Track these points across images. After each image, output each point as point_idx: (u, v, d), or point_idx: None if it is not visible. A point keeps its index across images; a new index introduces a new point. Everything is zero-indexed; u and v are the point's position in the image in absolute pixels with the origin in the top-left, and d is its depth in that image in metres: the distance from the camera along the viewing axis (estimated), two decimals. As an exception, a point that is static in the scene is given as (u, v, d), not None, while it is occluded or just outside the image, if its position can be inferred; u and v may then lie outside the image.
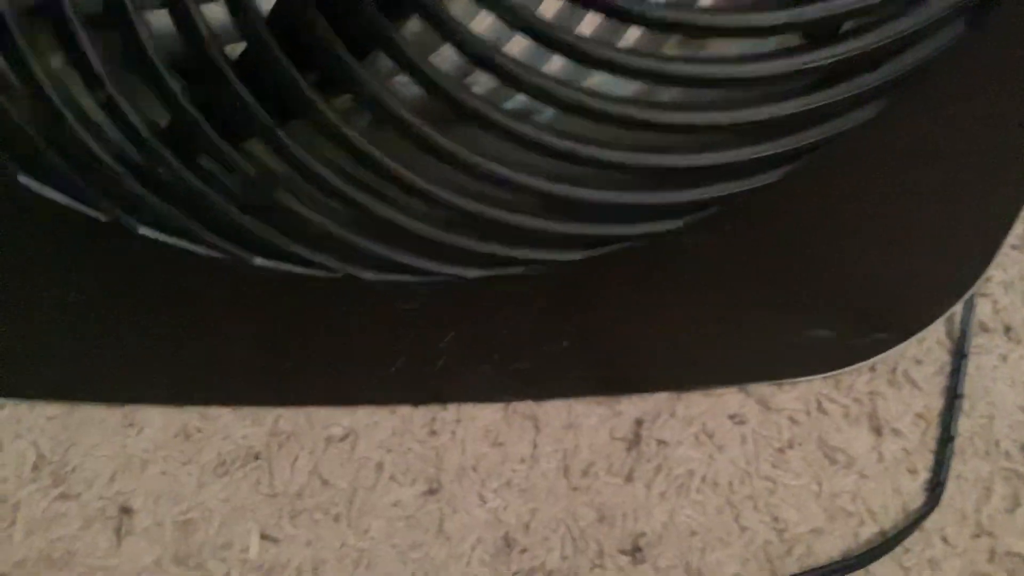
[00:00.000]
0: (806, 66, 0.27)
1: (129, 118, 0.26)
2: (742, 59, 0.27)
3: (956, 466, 0.36)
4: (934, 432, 0.37)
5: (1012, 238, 0.42)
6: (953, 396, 0.38)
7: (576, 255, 0.31)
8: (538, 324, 0.34)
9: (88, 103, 0.27)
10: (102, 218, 0.28)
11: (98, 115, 0.27)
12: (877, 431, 0.37)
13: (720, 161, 0.29)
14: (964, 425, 0.37)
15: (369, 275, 0.30)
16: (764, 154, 0.28)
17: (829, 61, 0.27)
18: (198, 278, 0.30)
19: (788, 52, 0.27)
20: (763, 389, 0.37)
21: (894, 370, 0.38)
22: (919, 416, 0.37)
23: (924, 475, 0.36)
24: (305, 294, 0.32)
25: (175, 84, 0.25)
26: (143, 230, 0.28)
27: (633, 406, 0.36)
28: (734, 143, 0.29)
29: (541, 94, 0.25)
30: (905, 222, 0.33)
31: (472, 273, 0.30)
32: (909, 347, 0.39)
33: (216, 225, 0.29)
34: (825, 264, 0.34)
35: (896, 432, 0.37)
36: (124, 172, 0.27)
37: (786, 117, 0.28)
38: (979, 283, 0.38)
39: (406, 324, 0.33)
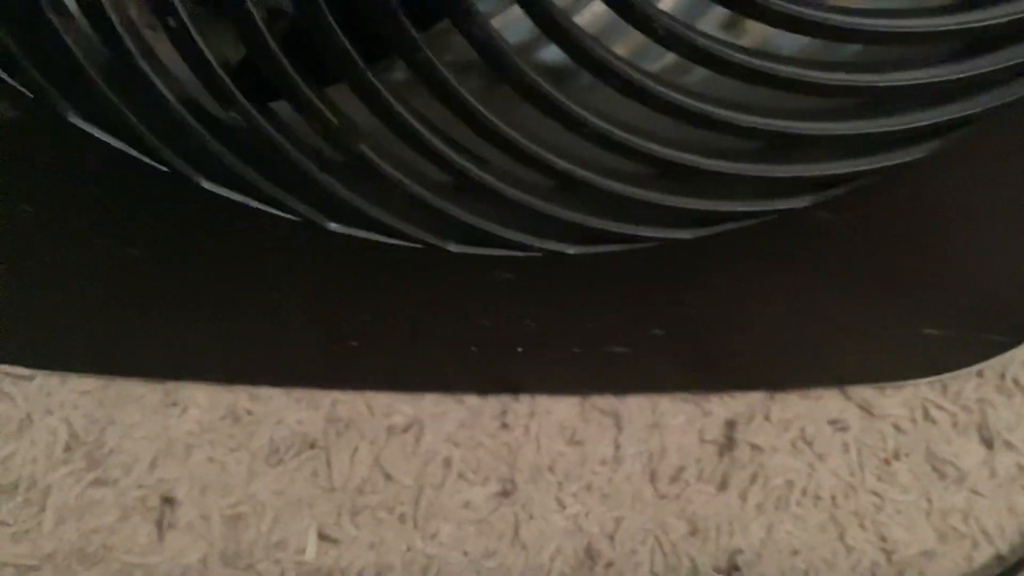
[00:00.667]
0: (973, 25, 0.23)
1: (199, 48, 0.22)
2: (905, 13, 0.23)
3: (1076, 486, 0.33)
4: (1050, 447, 0.33)
5: None
6: (1070, 408, 0.34)
7: (687, 234, 0.28)
8: (630, 309, 0.31)
9: (152, 35, 0.23)
10: (161, 168, 0.24)
11: (163, 49, 0.23)
12: (988, 443, 0.33)
13: (864, 130, 0.25)
14: (1082, 441, 0.34)
15: (455, 247, 0.27)
16: (916, 125, 0.25)
17: (1001, 21, 0.23)
18: (262, 241, 0.27)
19: (950, 9, 0.23)
20: (865, 392, 0.34)
21: (1003, 376, 0.35)
22: (1033, 428, 0.34)
23: (1041, 494, 0.33)
24: (377, 265, 0.29)
25: (255, 10, 0.22)
26: (207, 184, 0.25)
27: (723, 406, 0.33)
28: (879, 111, 0.26)
29: (669, 39, 0.22)
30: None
31: (573, 249, 0.27)
32: (1018, 352, 0.35)
33: (289, 182, 0.25)
34: (950, 256, 0.31)
35: (1009, 445, 0.33)
36: (188, 115, 0.23)
37: (936, 84, 0.25)
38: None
39: (486, 303, 0.30)
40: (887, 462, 0.32)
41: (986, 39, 0.25)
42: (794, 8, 0.23)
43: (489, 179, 0.25)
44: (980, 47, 0.25)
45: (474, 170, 0.25)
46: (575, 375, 0.32)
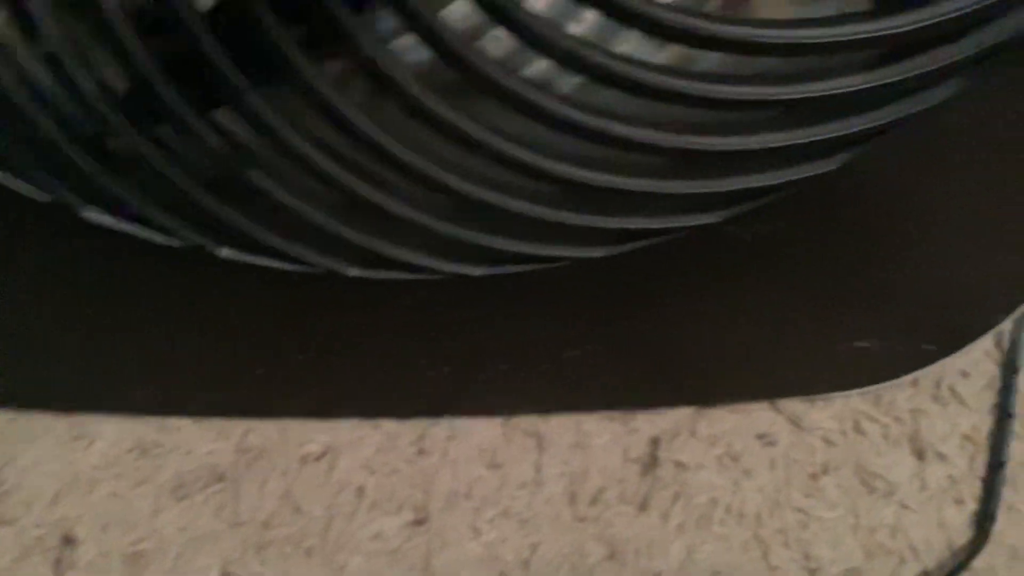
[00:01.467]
0: (879, 34, 0.23)
1: (73, 74, 0.21)
2: (802, 23, 0.23)
3: (1007, 496, 0.32)
4: (983, 456, 0.33)
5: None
6: (1003, 415, 0.34)
7: (598, 252, 0.27)
8: (550, 328, 0.30)
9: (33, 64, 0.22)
10: (40, 197, 0.24)
11: (42, 75, 0.22)
12: (920, 455, 0.33)
13: (773, 144, 0.25)
14: (1017, 449, 0.33)
15: (355, 271, 0.26)
16: (822, 137, 0.24)
17: (905, 29, 0.23)
18: (155, 269, 0.26)
19: (857, 17, 0.23)
20: (795, 405, 0.33)
21: (938, 384, 0.34)
22: (966, 438, 0.33)
23: (972, 506, 0.32)
24: (281, 290, 0.28)
25: (131, 36, 0.21)
26: (88, 212, 0.24)
27: (650, 423, 0.32)
28: (786, 123, 0.25)
29: (569, 59, 0.21)
30: (966, 222, 0.30)
31: (479, 271, 0.26)
32: (956, 359, 0.35)
33: (176, 208, 0.24)
34: (876, 265, 0.31)
35: (941, 456, 0.33)
36: (66, 140, 0.22)
37: (849, 95, 0.24)
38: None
39: (398, 325, 0.29)
40: (815, 477, 0.32)
41: (893, 49, 0.24)
42: (704, 24, 0.22)
43: (384, 200, 0.24)
44: (888, 57, 0.24)
45: (367, 191, 0.24)
46: (496, 396, 0.31)
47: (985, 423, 0.34)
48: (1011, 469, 0.33)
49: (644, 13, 0.21)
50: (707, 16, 0.22)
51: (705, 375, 0.32)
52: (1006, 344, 0.35)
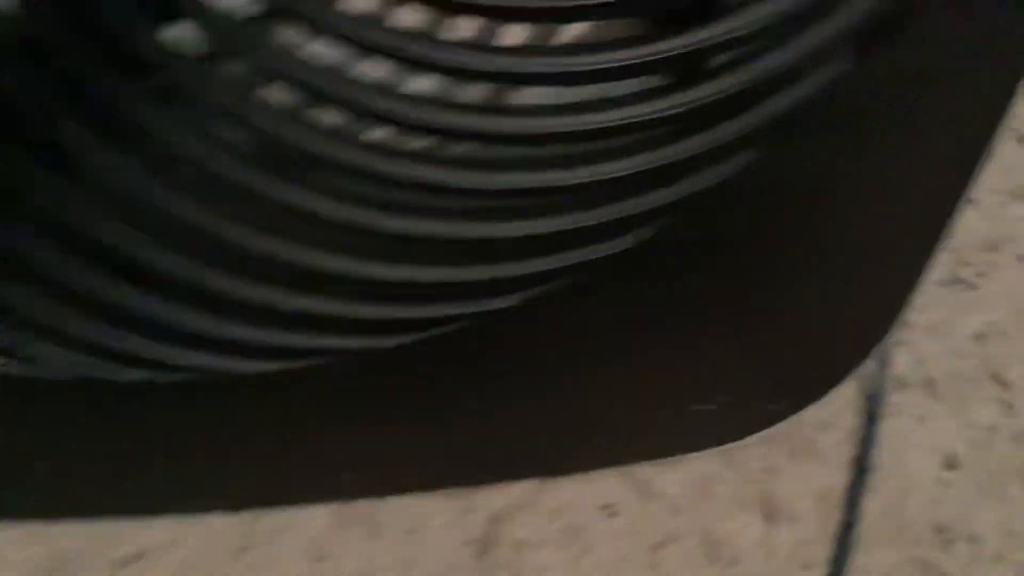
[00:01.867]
0: (652, 116, 0.21)
1: None
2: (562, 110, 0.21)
3: (859, 557, 0.32)
4: (837, 515, 0.32)
5: (940, 274, 0.37)
6: (860, 471, 0.33)
7: (391, 342, 0.25)
8: (369, 413, 0.29)
9: None
10: None
11: None
12: (769, 517, 0.32)
13: (554, 229, 0.23)
14: (872, 504, 0.32)
15: (128, 376, 0.25)
16: (606, 219, 0.23)
17: (682, 109, 0.21)
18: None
19: (634, 97, 0.21)
20: (644, 470, 0.32)
21: (795, 439, 0.33)
22: (820, 496, 0.33)
23: (821, 570, 0.32)
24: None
25: None
26: None
27: (491, 499, 0.31)
28: (570, 206, 0.23)
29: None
30: (802, 281, 0.28)
31: (255, 368, 0.25)
32: (815, 409, 0.34)
33: None
34: (717, 324, 0.29)
35: (792, 518, 0.32)
36: None
37: (632, 176, 0.22)
38: (889, 338, 0.33)
39: (209, 420, 0.28)
40: (656, 549, 0.31)
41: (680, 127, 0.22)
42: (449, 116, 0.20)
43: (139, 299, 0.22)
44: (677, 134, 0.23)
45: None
46: (326, 482, 0.30)
47: (841, 479, 0.33)
48: (864, 527, 0.32)
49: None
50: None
51: (546, 445, 0.31)
52: (870, 390, 0.34)
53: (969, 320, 0.37)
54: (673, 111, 0.22)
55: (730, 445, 0.32)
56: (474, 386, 0.29)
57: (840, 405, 0.34)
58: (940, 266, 0.37)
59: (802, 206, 0.27)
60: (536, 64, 0.20)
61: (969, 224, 0.40)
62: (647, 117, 0.22)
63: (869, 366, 0.34)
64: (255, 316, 0.23)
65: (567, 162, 0.22)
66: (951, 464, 0.33)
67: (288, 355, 0.24)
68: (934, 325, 0.36)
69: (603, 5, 0.21)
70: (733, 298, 0.29)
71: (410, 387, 0.29)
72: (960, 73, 0.24)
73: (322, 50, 0.20)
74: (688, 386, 0.31)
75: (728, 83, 0.21)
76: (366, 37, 0.19)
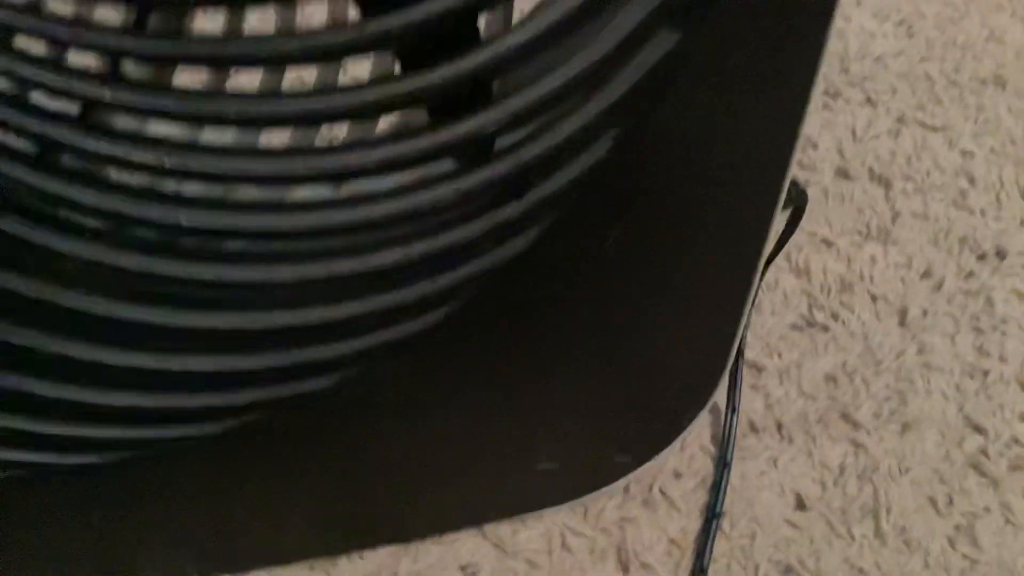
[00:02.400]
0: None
1: None
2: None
3: (709, 601, 0.33)
4: (688, 561, 0.34)
5: (793, 317, 0.39)
6: (711, 516, 0.34)
7: (215, 428, 0.27)
8: (220, 491, 0.30)
9: None
10: None
11: None
12: (625, 567, 0.33)
13: (357, 312, 0.25)
14: (722, 547, 0.34)
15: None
16: (413, 298, 0.24)
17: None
18: None
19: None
20: (502, 529, 0.34)
21: (650, 487, 0.35)
22: (673, 543, 0.34)
23: (674, 615, 0.33)
24: None
25: None
26: None
27: (354, 567, 0.32)
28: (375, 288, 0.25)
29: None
30: (612, 333, 0.30)
31: (57, 460, 0.26)
32: (671, 457, 0.35)
33: None
34: (531, 390, 0.31)
35: (646, 566, 0.34)
36: None
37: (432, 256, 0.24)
38: (739, 384, 0.35)
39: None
40: (514, 607, 0.32)
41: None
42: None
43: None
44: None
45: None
46: (185, 555, 0.31)
47: (694, 525, 0.34)
48: (714, 570, 0.33)
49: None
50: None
51: (401, 511, 0.33)
52: (721, 436, 0.36)
53: (821, 362, 0.39)
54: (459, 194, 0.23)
55: (586, 498, 0.34)
56: (318, 460, 0.30)
57: (694, 452, 0.35)
58: (793, 309, 0.39)
59: (608, 265, 0.28)
60: (311, 164, 0.22)
61: (826, 265, 0.42)
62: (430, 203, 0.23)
63: (720, 412, 0.36)
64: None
65: (352, 250, 0.24)
66: (801, 505, 0.35)
67: (105, 447, 0.26)
68: (786, 368, 0.38)
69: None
70: (557, 359, 0.30)
71: (257, 465, 0.30)
72: (735, 131, 0.25)
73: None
74: (530, 445, 0.32)
75: (502, 167, 0.23)
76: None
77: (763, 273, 0.30)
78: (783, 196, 0.26)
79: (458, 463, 0.31)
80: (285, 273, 0.23)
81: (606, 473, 0.33)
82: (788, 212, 0.34)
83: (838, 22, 0.35)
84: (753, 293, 0.29)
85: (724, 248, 0.28)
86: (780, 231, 0.34)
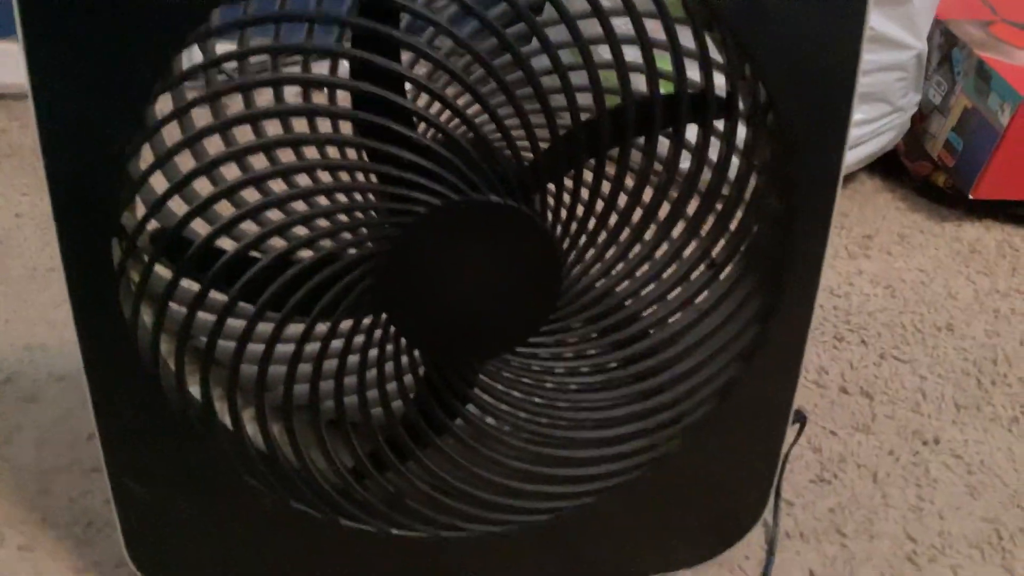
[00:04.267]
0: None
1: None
2: None
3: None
4: (752, 603, 0.64)
5: (811, 474, 0.70)
6: (765, 580, 0.65)
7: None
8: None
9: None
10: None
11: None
12: (718, 604, 0.64)
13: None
14: (771, 598, 0.64)
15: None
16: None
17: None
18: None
19: None
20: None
21: (728, 564, 0.66)
22: (744, 594, 0.65)
23: (744, 631, 0.63)
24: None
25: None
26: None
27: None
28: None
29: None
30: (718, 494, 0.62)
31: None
32: (740, 547, 0.66)
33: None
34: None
35: (730, 605, 0.64)
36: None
37: None
38: (778, 507, 0.66)
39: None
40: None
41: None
42: None
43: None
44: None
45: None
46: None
47: (755, 584, 0.65)
48: (767, 609, 0.64)
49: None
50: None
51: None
52: None
53: (827, 501, 0.70)
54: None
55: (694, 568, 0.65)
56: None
57: (754, 545, 0.66)
58: (812, 470, 0.71)
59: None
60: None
61: (831, 446, 0.74)
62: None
63: (769, 525, 0.67)
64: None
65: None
66: (812, 574, 0.65)
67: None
68: (806, 503, 0.69)
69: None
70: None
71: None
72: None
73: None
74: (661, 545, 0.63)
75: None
76: None
77: (787, 456, 0.62)
78: (791, 418, 0.59)
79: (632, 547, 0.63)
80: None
81: (704, 556, 0.64)
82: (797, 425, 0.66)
83: (845, 287, 0.72)
84: (779, 468, 0.61)
85: (758, 448, 0.60)
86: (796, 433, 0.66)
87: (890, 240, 1.00)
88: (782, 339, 0.52)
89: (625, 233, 0.48)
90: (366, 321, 0.47)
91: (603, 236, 0.48)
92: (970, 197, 0.99)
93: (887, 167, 1.12)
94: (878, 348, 0.84)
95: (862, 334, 0.85)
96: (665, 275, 0.51)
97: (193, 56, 0.43)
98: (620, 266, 0.50)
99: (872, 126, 0.99)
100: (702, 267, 0.51)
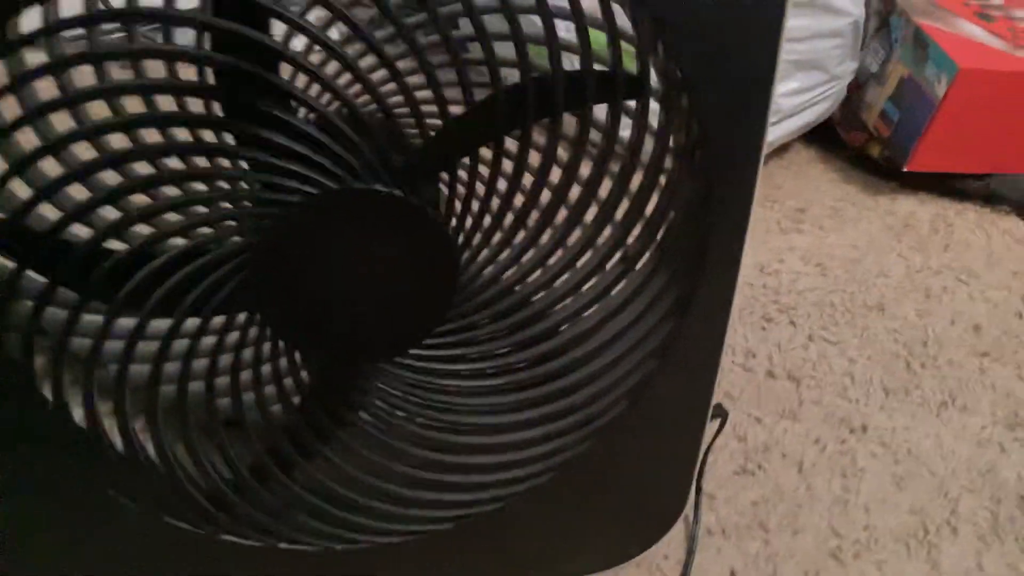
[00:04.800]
0: None
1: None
2: None
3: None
4: (670, 605, 0.61)
5: (734, 466, 0.67)
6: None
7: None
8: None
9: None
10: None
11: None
12: (635, 607, 0.61)
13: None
14: (690, 598, 0.61)
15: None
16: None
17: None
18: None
19: None
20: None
21: (647, 563, 0.62)
22: (662, 594, 0.62)
23: (662, 634, 0.60)
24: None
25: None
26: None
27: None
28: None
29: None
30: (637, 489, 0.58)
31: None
32: (659, 547, 0.63)
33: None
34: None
35: (647, 607, 0.61)
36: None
37: None
38: (698, 505, 0.63)
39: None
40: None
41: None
42: None
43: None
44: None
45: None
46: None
47: (673, 584, 0.62)
48: (686, 610, 0.61)
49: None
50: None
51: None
52: None
53: (750, 493, 0.67)
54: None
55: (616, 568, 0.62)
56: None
57: (674, 543, 0.63)
58: (735, 461, 0.68)
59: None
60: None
61: (756, 434, 0.71)
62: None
63: (688, 519, 0.64)
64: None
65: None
66: (733, 574, 0.62)
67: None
68: (728, 497, 0.66)
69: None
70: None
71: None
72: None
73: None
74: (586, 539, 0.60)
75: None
76: None
77: (707, 453, 0.59)
78: (710, 412, 0.55)
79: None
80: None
81: (622, 557, 0.61)
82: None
83: (775, 265, 0.67)
84: (698, 466, 0.58)
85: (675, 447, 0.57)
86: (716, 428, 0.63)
87: (823, 214, 0.97)
88: (699, 334, 0.48)
89: (529, 224, 0.43)
90: (241, 318, 0.42)
91: (503, 228, 0.43)
92: (904, 170, 0.96)
93: (823, 137, 1.09)
94: (807, 329, 0.81)
95: (791, 314, 0.82)
96: (576, 268, 0.46)
97: (33, 21, 0.38)
98: (526, 258, 0.45)
99: (808, 95, 0.95)
100: (615, 258, 0.47)
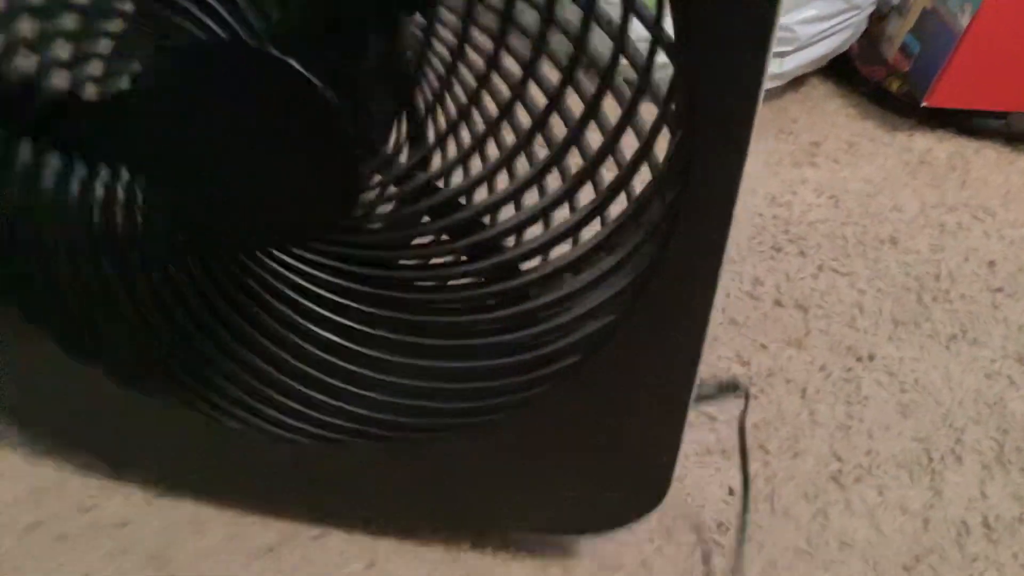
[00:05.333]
0: None
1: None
2: None
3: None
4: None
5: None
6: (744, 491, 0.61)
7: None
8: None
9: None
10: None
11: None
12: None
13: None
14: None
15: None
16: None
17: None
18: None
19: None
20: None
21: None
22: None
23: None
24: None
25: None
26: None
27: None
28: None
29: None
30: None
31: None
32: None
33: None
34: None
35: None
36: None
37: None
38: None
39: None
40: None
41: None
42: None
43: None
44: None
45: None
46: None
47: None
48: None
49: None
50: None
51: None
52: None
53: (752, 416, 0.66)
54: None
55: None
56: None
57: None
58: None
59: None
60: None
61: (760, 360, 0.70)
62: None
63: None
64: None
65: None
66: (731, 492, 0.62)
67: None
68: (729, 419, 0.65)
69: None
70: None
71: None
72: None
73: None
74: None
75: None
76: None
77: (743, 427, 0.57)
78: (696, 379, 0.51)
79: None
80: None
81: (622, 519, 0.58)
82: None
83: (787, 196, 0.65)
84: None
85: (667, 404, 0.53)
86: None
87: (838, 148, 0.95)
88: (687, 271, 0.41)
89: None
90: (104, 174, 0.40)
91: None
92: (923, 105, 0.94)
93: (841, 72, 1.06)
94: (817, 260, 0.79)
95: (801, 244, 0.81)
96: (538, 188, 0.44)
97: None
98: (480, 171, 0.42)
99: (826, 24, 0.92)
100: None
